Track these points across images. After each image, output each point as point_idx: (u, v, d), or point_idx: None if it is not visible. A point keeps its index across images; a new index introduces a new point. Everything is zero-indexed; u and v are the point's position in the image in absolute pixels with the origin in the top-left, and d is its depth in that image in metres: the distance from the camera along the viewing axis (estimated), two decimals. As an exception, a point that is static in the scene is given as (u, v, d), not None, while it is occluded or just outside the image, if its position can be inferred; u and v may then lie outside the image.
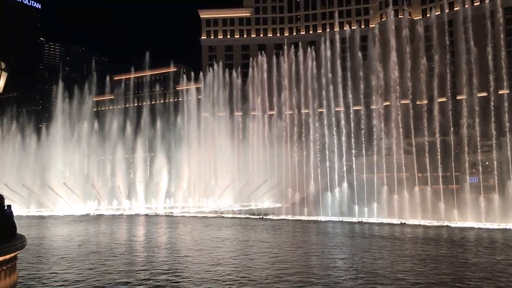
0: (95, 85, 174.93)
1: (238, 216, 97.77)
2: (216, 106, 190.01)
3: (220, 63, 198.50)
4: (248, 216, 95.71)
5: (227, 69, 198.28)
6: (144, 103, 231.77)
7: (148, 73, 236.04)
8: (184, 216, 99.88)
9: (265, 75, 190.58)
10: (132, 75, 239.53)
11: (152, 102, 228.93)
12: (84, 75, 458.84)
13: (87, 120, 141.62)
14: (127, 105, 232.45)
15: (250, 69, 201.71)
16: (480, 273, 32.07)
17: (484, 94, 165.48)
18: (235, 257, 40.79)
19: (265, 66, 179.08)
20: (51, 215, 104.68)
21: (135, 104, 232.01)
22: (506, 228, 61.51)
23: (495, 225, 64.27)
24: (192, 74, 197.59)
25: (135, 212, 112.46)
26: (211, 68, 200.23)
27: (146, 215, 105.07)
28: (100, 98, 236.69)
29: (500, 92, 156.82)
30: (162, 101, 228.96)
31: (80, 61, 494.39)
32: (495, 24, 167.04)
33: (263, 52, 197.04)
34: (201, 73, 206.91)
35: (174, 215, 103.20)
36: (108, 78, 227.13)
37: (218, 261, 38.66)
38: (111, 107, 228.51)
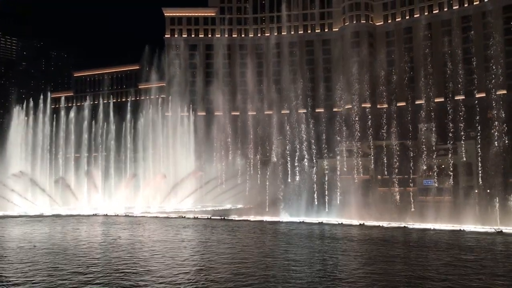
0: (53, 81, 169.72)
1: (200, 216, 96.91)
2: (179, 105, 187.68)
3: (184, 62, 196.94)
4: (210, 217, 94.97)
5: (190, 68, 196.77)
6: (105, 101, 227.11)
7: (110, 70, 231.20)
8: (144, 216, 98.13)
9: (225, 75, 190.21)
10: (93, 72, 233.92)
11: (113, 100, 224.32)
12: (43, 71, 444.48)
13: (44, 117, 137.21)
14: (87, 102, 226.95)
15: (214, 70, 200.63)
16: (427, 273, 32.92)
17: (441, 99, 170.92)
18: (194, 258, 40.33)
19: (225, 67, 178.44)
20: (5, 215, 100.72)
21: (96, 102, 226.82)
22: (460, 230, 63.52)
23: (449, 226, 66.28)
24: (155, 72, 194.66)
25: (94, 212, 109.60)
26: (174, 67, 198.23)
27: (105, 215, 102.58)
28: (59, 95, 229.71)
29: (457, 97, 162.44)
30: (123, 99, 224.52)
31: (38, 56, 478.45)
32: (452, 31, 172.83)
33: (226, 53, 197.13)
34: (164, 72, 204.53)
35: (134, 215, 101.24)
36: (67, 74, 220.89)
37: (177, 262, 38.10)
38: (70, 104, 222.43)
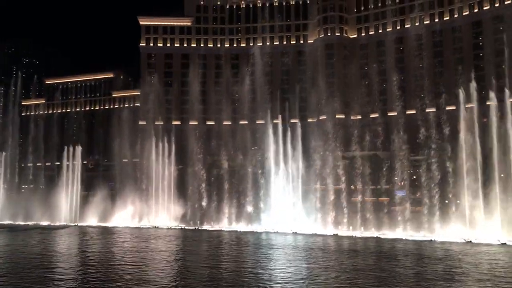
0: (23, 88, 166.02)
1: (173, 226, 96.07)
2: (154, 114, 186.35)
3: (160, 71, 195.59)
4: (183, 227, 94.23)
5: (166, 77, 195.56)
6: (78, 109, 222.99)
7: (83, 78, 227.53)
8: (116, 227, 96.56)
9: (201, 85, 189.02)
10: (66, 80, 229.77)
11: (87, 108, 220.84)
12: (13, 78, 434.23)
13: (13, 125, 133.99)
14: (59, 110, 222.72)
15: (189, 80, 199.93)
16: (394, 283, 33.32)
17: (413, 111, 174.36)
18: (166, 268, 39.83)
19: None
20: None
21: (68, 110, 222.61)
22: (431, 240, 64.58)
23: (420, 236, 67.32)
24: (130, 81, 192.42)
25: (63, 222, 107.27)
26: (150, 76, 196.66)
27: (76, 225, 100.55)
28: (29, 102, 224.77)
29: (428, 110, 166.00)
30: (97, 107, 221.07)
31: (8, 63, 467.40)
32: (424, 46, 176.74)
33: (202, 63, 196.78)
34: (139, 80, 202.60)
35: (109, 226, 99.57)
36: (39, 81, 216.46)
37: (142, 271, 37.55)
38: (41, 112, 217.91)
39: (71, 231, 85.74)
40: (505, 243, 60.50)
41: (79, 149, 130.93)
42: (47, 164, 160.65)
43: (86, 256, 49.41)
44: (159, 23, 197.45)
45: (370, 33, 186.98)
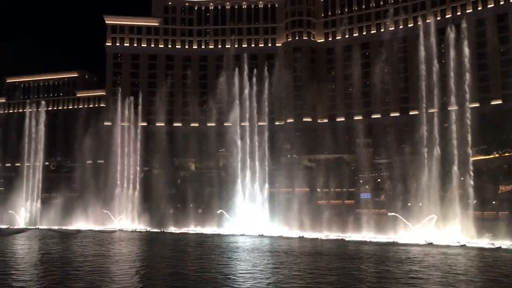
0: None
1: (138, 229, 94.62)
2: (119, 115, 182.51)
3: (126, 72, 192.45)
4: (148, 229, 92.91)
5: (132, 78, 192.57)
6: (40, 109, 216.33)
7: (46, 77, 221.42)
8: (79, 230, 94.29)
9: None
10: (28, 78, 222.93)
11: (50, 108, 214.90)
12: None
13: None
14: (20, 110, 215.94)
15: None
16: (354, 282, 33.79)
17: (378, 115, 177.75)
18: (124, 273, 39.06)
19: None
20: None
21: (30, 110, 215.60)
22: (394, 242, 65.87)
23: (384, 238, 68.57)
24: (96, 80, 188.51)
25: (23, 226, 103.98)
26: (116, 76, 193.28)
27: (29, 229, 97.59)
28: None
29: (392, 114, 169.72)
30: (60, 107, 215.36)
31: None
32: (389, 51, 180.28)
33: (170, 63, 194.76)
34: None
35: (72, 229, 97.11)
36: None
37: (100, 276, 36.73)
38: (1, 111, 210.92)
39: (30, 235, 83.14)
40: (464, 245, 62.33)
41: (40, 149, 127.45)
42: (6, 165, 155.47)
43: (39, 260, 47.85)
44: (125, 22, 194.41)
45: (337, 37, 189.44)
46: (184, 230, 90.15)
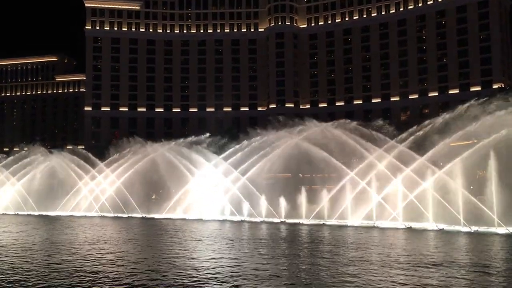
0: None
1: (120, 215, 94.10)
2: (100, 100, 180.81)
3: (106, 56, 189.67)
4: (130, 215, 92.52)
5: (113, 62, 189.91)
6: (18, 93, 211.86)
7: (24, 60, 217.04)
8: (59, 216, 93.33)
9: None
10: (5, 62, 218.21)
11: (28, 93, 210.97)
12: None
13: None
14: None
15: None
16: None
17: (360, 102, 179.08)
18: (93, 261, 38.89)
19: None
20: None
21: (8, 94, 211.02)
22: (374, 226, 66.74)
23: (358, 222, 69.44)
24: (75, 65, 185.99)
25: (2, 212, 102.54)
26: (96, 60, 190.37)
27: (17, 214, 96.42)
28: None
29: (374, 100, 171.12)
30: (39, 92, 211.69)
31: None
32: (371, 37, 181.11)
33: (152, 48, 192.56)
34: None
35: (52, 215, 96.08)
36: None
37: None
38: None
39: (8, 220, 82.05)
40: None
41: (19, 134, 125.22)
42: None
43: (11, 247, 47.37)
44: (106, 5, 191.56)
45: (320, 23, 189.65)
46: (165, 215, 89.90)
